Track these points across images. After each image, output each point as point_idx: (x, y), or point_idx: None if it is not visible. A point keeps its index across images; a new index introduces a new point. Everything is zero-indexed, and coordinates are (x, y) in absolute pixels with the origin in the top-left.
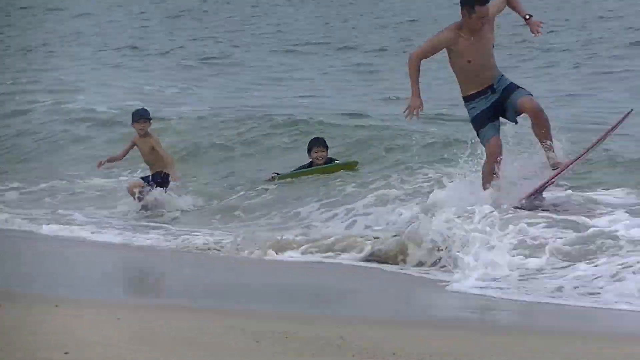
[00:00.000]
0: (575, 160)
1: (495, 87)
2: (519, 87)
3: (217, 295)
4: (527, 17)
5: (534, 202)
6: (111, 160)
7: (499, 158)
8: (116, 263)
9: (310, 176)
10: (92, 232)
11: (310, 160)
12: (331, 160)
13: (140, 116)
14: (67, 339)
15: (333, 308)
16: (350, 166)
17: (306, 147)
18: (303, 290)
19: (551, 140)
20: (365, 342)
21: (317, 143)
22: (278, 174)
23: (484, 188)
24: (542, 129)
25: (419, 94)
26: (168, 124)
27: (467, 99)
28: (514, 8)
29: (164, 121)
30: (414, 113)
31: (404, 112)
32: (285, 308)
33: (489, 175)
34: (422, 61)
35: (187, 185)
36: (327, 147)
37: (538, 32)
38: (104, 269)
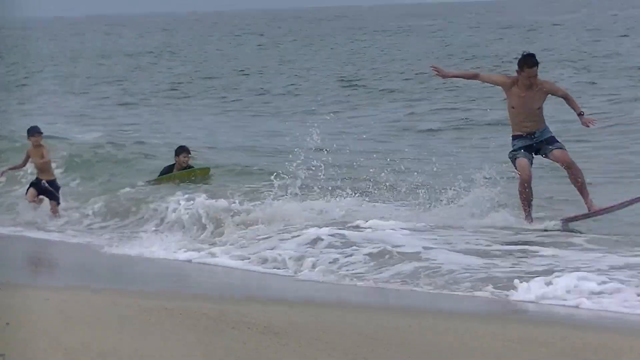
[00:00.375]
0: (610, 208)
1: (536, 135)
2: (557, 140)
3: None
4: (581, 113)
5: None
6: (13, 168)
7: (524, 176)
8: None
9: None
10: None
11: (174, 162)
12: (190, 166)
13: (35, 131)
14: None
15: None
16: (204, 172)
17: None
18: None
19: (586, 193)
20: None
21: (185, 149)
22: (149, 181)
23: (523, 209)
24: (577, 180)
25: (447, 71)
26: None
27: (512, 137)
28: (570, 106)
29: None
30: (435, 72)
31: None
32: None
33: (521, 193)
34: (472, 81)
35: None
36: (190, 153)
37: (590, 125)
38: None
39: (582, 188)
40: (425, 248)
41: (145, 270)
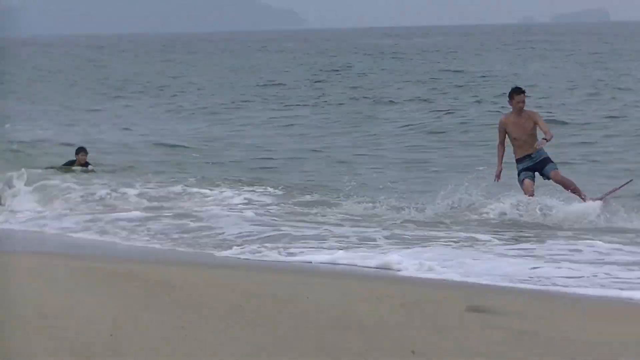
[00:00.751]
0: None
1: (533, 156)
2: (551, 161)
3: None
4: (544, 139)
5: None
6: None
7: (529, 194)
8: None
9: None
10: None
11: (75, 159)
12: (87, 163)
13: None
14: None
15: None
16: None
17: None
18: None
19: (580, 192)
20: None
21: (83, 149)
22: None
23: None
24: (569, 188)
25: (499, 166)
26: None
27: (516, 161)
28: (543, 131)
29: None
30: (496, 180)
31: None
32: None
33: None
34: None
35: None
36: (87, 153)
37: (537, 146)
38: None
39: (575, 191)
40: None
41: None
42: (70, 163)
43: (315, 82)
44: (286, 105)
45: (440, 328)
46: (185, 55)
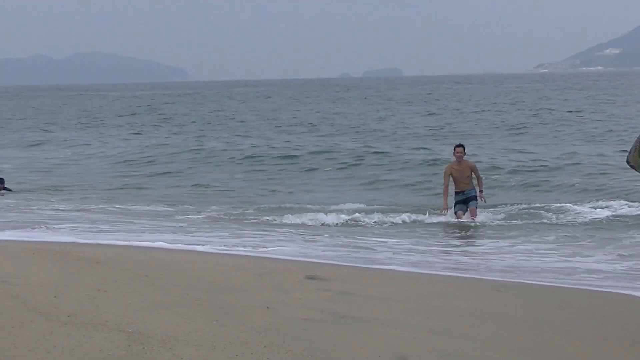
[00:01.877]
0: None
1: (466, 193)
2: (475, 199)
3: None
4: (481, 191)
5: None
6: None
7: (459, 219)
8: None
9: None
10: None
11: None
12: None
13: None
14: None
15: None
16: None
17: None
18: None
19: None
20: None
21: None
22: None
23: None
24: (473, 215)
25: (446, 204)
26: None
27: (454, 193)
28: (478, 183)
29: None
30: (443, 213)
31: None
32: None
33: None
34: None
35: None
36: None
37: (483, 200)
38: None
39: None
40: None
41: None
42: None
43: None
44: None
45: (287, 290)
46: None
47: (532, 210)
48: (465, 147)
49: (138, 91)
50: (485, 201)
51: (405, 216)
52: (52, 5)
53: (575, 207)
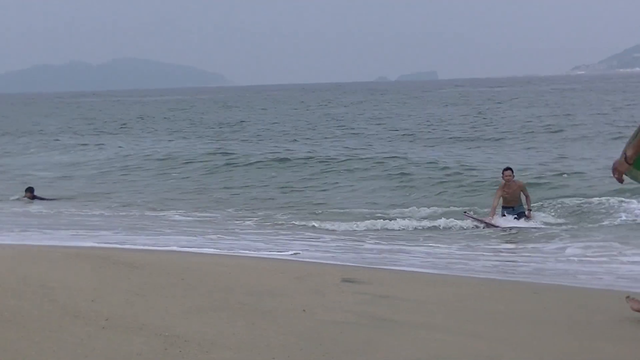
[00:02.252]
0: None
1: (515, 209)
2: (524, 215)
3: None
4: (530, 209)
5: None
6: None
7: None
8: None
9: None
10: None
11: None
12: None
13: None
14: None
15: None
16: None
17: None
18: None
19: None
20: None
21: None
22: None
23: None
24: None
25: (493, 212)
26: None
27: (503, 207)
28: (527, 202)
29: None
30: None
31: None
32: None
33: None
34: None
35: None
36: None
37: (530, 217)
38: None
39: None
40: None
41: None
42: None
43: None
44: None
45: (324, 293)
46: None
47: (579, 211)
48: (512, 169)
49: (198, 95)
50: (531, 218)
51: (441, 221)
52: (89, 11)
53: (627, 204)
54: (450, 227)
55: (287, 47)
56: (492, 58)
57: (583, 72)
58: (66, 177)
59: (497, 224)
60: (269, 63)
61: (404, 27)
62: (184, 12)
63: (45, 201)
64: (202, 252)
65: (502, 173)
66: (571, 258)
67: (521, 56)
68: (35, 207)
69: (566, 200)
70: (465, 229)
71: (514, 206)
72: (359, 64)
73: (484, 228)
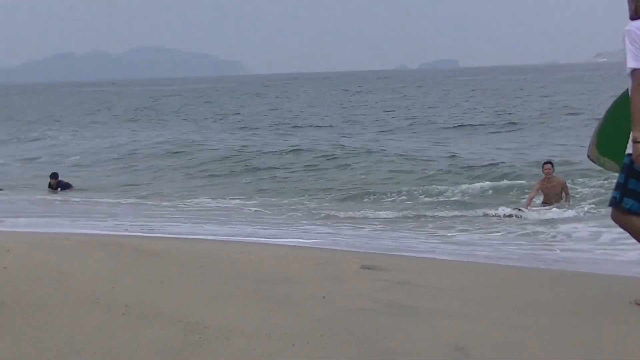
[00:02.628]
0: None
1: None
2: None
3: None
4: (568, 200)
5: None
6: None
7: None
8: None
9: None
10: None
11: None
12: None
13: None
14: None
15: None
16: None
17: None
18: None
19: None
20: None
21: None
22: None
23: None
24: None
25: (528, 205)
26: None
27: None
28: (566, 199)
29: None
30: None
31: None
32: None
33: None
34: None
35: None
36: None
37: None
38: None
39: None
40: None
41: None
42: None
43: None
44: None
45: (343, 280)
46: None
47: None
48: (553, 163)
49: (219, 84)
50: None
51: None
52: (110, 0)
53: None
54: (481, 216)
55: (306, 36)
56: (512, 46)
57: (605, 60)
58: (91, 164)
59: (528, 216)
60: (287, 51)
61: (424, 14)
62: (203, 0)
63: (67, 190)
64: (221, 239)
65: (542, 167)
66: (602, 246)
67: (542, 44)
68: (56, 195)
69: (602, 189)
70: (499, 217)
71: (553, 204)
72: (379, 52)
73: (517, 217)
